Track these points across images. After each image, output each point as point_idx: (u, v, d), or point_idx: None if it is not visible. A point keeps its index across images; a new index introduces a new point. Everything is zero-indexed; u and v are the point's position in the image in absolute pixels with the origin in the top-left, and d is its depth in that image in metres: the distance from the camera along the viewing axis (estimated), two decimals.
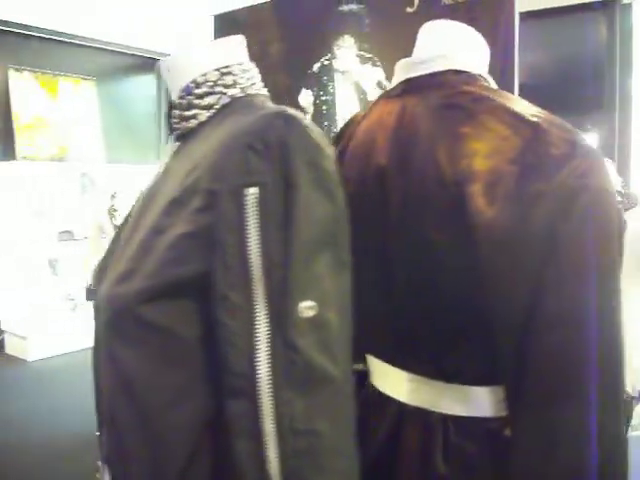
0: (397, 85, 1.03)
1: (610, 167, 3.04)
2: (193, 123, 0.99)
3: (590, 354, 0.81)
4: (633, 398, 2.07)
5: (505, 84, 3.33)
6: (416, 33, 3.62)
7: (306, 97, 4.09)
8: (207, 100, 0.99)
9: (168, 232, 0.89)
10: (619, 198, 2.12)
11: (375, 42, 3.74)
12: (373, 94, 3.75)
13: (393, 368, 1.03)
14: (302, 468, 0.80)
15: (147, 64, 7.00)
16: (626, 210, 2.08)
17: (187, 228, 0.87)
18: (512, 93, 3.29)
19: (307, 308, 0.82)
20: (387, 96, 1.04)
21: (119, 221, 4.01)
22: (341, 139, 1.10)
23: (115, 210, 4.05)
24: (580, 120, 4.75)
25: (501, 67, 3.32)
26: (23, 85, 5.74)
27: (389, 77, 3.65)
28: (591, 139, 4.67)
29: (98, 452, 1.09)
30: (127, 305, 0.88)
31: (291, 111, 0.89)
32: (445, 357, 0.95)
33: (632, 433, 2.11)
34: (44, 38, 5.83)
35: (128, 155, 6.56)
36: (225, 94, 0.99)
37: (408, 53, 3.51)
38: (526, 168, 0.83)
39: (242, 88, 0.99)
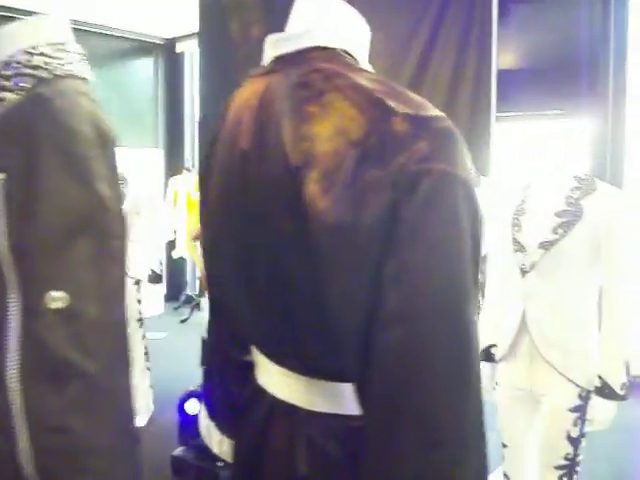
0: (269, 63, 0.98)
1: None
2: (2, 105, 0.95)
3: (433, 355, 0.73)
4: (589, 392, 2.01)
5: (482, 64, 3.27)
6: (399, 16, 3.54)
7: None
8: (14, 81, 0.94)
9: None
10: (577, 184, 2.05)
11: None
12: None
13: (268, 361, 0.99)
14: (57, 466, 0.76)
15: (145, 48, 6.99)
16: (584, 196, 2.01)
17: None
18: (489, 73, 3.27)
19: (56, 299, 0.77)
20: (256, 74, 0.99)
21: None
22: (218, 122, 1.05)
23: None
24: (574, 107, 4.66)
25: (478, 46, 3.25)
26: None
27: (371, 60, 3.57)
28: (584, 126, 4.59)
29: None
30: None
31: (48, 95, 0.85)
32: (305, 352, 0.90)
33: (587, 429, 2.05)
34: None
35: (126, 139, 6.55)
36: (32, 76, 0.93)
37: (391, 35, 3.44)
38: (367, 151, 0.76)
39: (50, 70, 0.94)
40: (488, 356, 2.30)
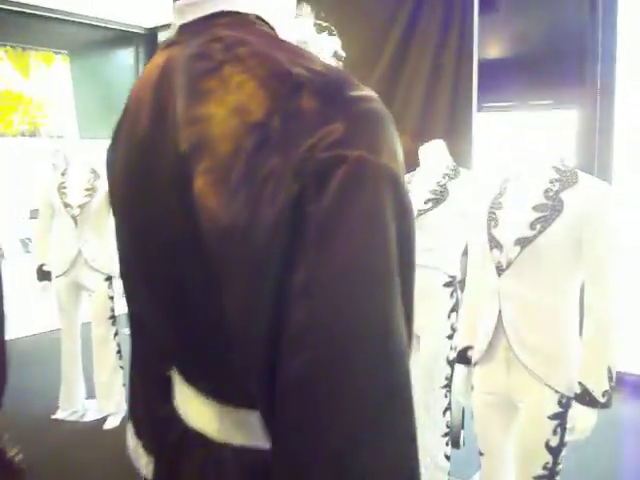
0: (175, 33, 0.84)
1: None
2: None
3: (347, 386, 0.59)
4: (570, 399, 1.88)
5: (463, 52, 3.14)
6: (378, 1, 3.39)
7: None
8: None
9: None
10: (557, 175, 1.92)
11: (331, 9, 3.54)
12: None
13: (181, 380, 0.86)
14: None
15: (124, 37, 6.81)
16: (565, 189, 1.88)
17: None
18: (470, 62, 3.14)
19: None
20: (161, 47, 0.85)
21: (69, 199, 3.83)
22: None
23: (65, 187, 3.87)
24: (561, 98, 4.54)
25: (458, 34, 3.13)
26: None
27: (345, 46, 3.48)
28: (572, 117, 4.47)
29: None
30: None
31: None
32: (211, 374, 0.77)
33: (568, 438, 1.93)
34: (14, 11, 5.64)
35: (104, 131, 6.41)
36: None
37: (370, 21, 3.32)
38: (268, 134, 0.62)
39: None
40: (464, 359, 2.18)
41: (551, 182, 1.91)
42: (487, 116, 4.57)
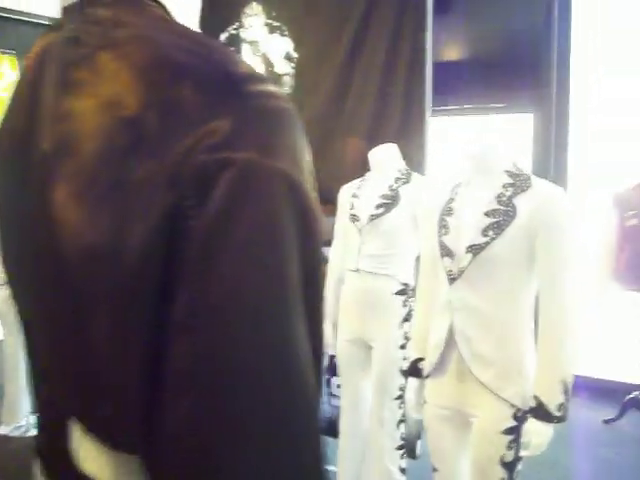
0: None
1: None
2: None
3: (239, 436, 0.50)
4: (524, 412, 1.80)
5: (416, 54, 3.07)
6: None
7: None
8: None
9: None
10: (510, 180, 1.84)
11: (284, 8, 3.45)
12: (280, 66, 3.46)
13: (74, 420, 0.75)
14: None
15: None
16: (518, 194, 1.80)
17: None
18: (422, 64, 3.06)
19: None
20: (44, 33, 0.75)
21: None
22: None
23: None
24: (517, 101, 4.53)
25: (411, 34, 3.05)
26: None
27: (297, 47, 3.39)
28: (528, 121, 4.45)
29: None
30: None
31: None
32: (93, 412, 0.66)
33: (523, 453, 1.85)
34: None
35: None
36: None
37: (318, 19, 3.23)
38: (142, 134, 0.51)
39: None
40: (415, 371, 2.09)
41: (504, 187, 1.83)
42: (441, 120, 4.53)
